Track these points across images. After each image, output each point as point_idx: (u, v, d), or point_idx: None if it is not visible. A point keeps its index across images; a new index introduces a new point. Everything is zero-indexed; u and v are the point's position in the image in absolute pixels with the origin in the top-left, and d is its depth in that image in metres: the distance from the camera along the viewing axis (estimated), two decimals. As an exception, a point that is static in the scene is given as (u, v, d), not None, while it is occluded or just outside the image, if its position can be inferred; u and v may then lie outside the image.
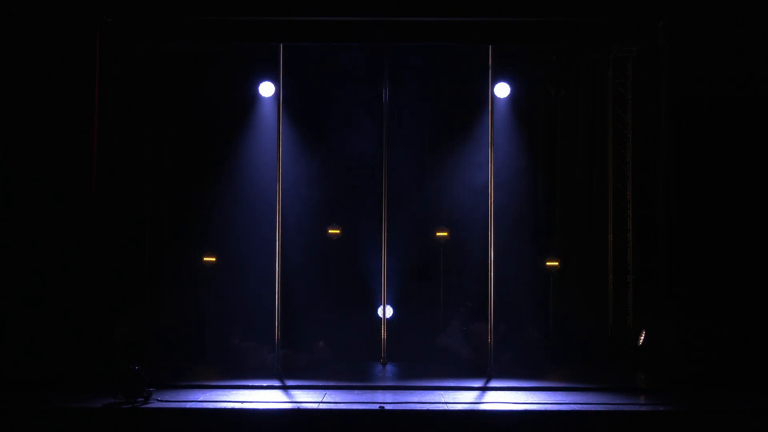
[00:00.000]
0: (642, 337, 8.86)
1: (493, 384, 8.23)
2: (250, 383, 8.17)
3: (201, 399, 7.36)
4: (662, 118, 8.52)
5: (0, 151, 8.16)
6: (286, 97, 9.13)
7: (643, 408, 7.10)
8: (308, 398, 7.52)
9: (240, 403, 7.15)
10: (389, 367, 8.99)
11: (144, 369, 7.21)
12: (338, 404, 7.23)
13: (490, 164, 8.81)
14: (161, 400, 7.23)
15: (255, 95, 9.68)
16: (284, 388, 8.05)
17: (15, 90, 8.22)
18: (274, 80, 9.37)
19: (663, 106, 8.51)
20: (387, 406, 7.02)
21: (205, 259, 9.57)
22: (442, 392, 7.81)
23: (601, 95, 9.51)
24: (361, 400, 7.41)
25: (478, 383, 8.27)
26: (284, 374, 8.51)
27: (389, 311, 9.26)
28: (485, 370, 8.58)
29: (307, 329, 9.33)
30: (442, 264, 9.54)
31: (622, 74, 9.29)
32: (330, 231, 9.81)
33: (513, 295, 9.28)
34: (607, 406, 7.17)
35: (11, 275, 8.14)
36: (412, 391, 7.87)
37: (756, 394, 7.72)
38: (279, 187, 8.82)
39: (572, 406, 7.16)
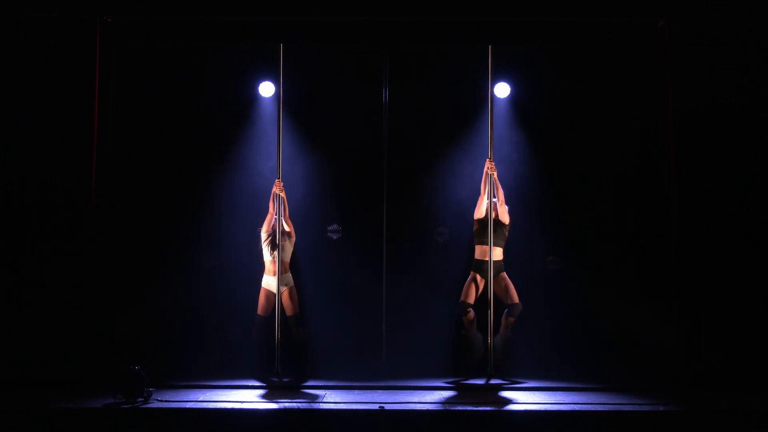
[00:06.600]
0: (643, 338, 8.85)
1: (493, 383, 8.26)
2: (250, 383, 8.18)
3: (201, 399, 7.36)
4: (663, 119, 8.52)
5: (-1, 150, 8.20)
6: (286, 97, 9.13)
7: (643, 408, 7.10)
8: (308, 398, 7.53)
9: (240, 403, 7.15)
10: (389, 367, 8.99)
11: (144, 369, 7.22)
12: (338, 404, 7.23)
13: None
14: (161, 400, 7.23)
15: (255, 95, 9.66)
16: (284, 388, 8.05)
17: (14, 90, 8.22)
18: (274, 80, 9.36)
19: (664, 107, 8.51)
20: (387, 406, 7.02)
21: (204, 258, 9.58)
22: (442, 392, 7.82)
23: (603, 95, 9.49)
24: (361, 400, 7.41)
25: (478, 383, 8.28)
26: (284, 374, 8.52)
27: None
28: (485, 369, 8.59)
29: (306, 329, 9.34)
30: (443, 264, 9.53)
31: (623, 74, 9.27)
32: (330, 231, 9.80)
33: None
34: (607, 406, 7.18)
35: (10, 275, 8.14)
36: (412, 391, 7.88)
37: (756, 394, 7.73)
38: (279, 187, 8.84)
39: (573, 406, 7.16)
